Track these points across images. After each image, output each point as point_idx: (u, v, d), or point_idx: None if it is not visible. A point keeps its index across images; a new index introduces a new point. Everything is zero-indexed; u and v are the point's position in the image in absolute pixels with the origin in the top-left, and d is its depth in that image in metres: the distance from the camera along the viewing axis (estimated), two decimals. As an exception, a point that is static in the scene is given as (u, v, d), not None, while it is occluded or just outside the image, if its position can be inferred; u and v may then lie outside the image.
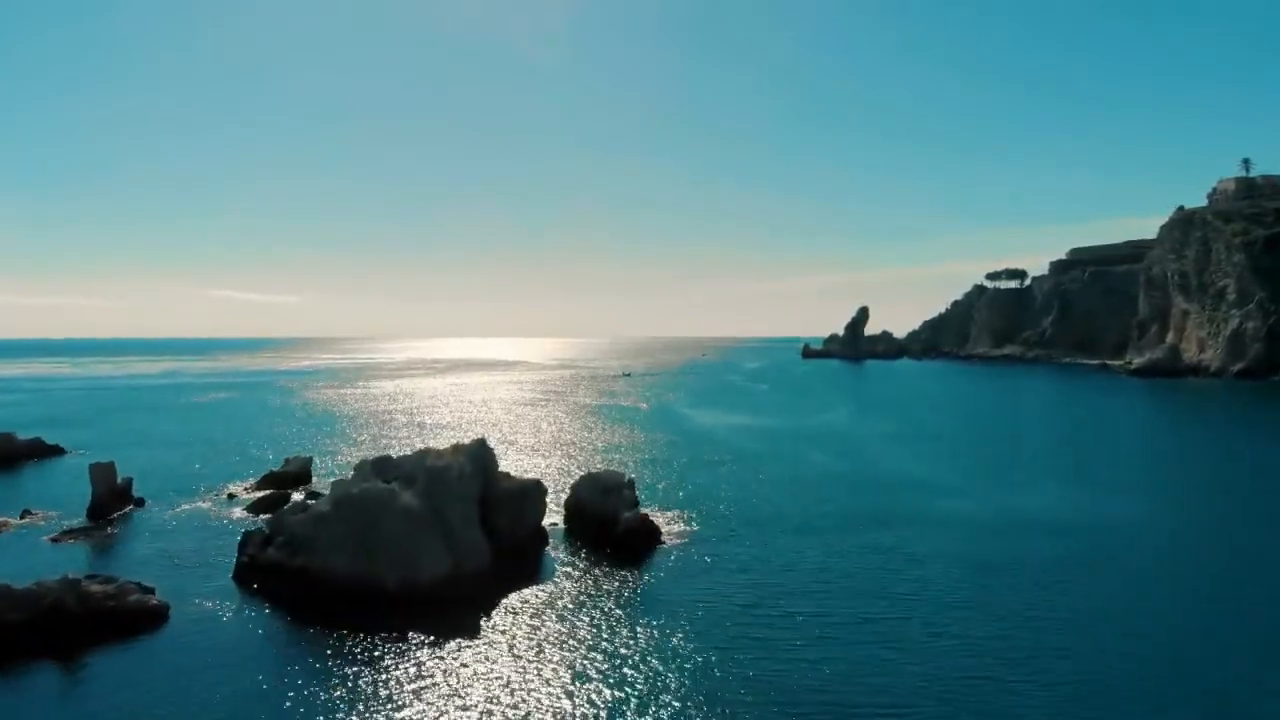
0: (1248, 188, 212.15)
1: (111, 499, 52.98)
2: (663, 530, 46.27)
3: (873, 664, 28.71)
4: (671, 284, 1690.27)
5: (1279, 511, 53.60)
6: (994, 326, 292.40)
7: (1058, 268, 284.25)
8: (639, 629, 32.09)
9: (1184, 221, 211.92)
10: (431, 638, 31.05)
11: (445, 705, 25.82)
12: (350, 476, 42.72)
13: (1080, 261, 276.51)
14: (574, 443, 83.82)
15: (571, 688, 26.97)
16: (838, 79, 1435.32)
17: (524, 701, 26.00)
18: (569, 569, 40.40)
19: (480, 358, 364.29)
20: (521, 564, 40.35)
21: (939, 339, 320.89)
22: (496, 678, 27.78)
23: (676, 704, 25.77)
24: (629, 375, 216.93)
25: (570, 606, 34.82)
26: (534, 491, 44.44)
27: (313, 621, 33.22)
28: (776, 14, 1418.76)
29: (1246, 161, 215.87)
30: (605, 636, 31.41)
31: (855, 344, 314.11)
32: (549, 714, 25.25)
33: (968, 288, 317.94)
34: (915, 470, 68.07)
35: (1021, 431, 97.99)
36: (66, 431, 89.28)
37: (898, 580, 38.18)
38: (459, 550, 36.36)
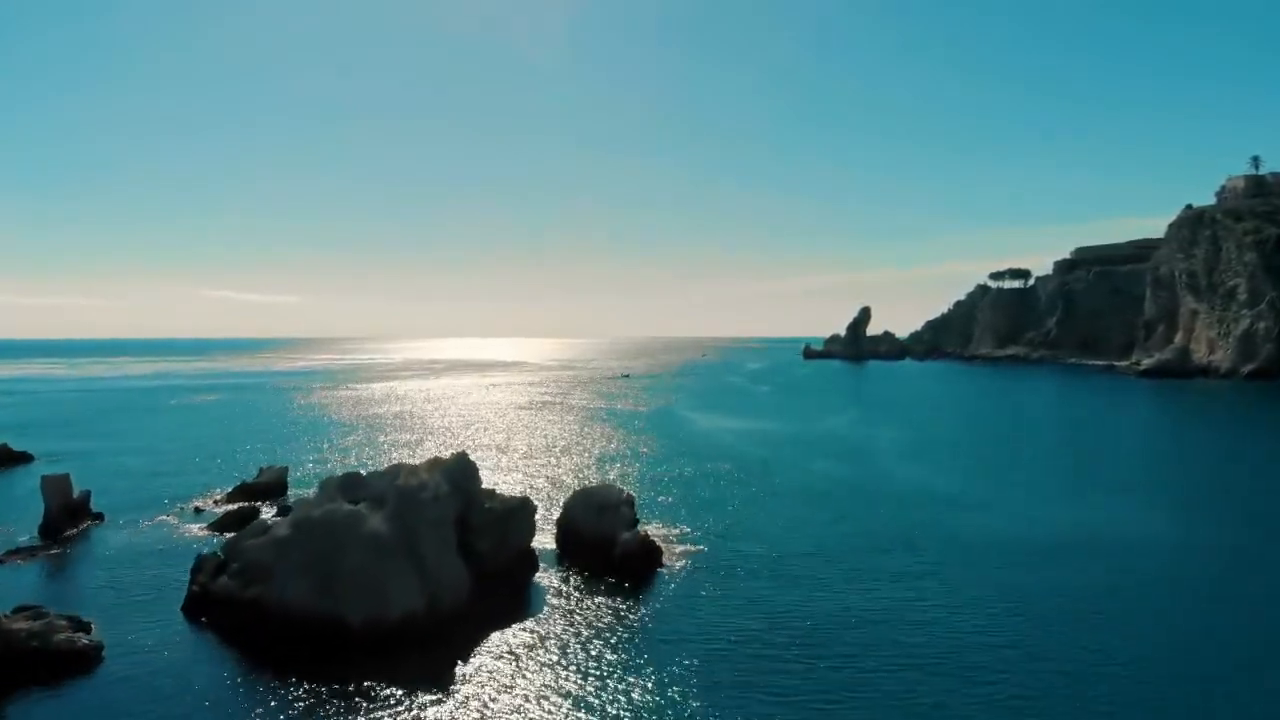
0: (1257, 185, 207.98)
1: (65, 515, 48.75)
2: (664, 551, 42.02)
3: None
4: (671, 284, 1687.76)
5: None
6: (997, 327, 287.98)
7: (1062, 268, 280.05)
8: (638, 675, 27.81)
9: (1193, 220, 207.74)
10: (400, 689, 26.73)
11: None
12: (313, 495, 38.37)
13: (1085, 261, 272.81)
14: (568, 451, 79.38)
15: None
16: (838, 79, 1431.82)
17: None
18: (560, 600, 36.09)
19: (479, 358, 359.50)
20: (506, 594, 36.02)
21: (941, 339, 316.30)
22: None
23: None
24: (628, 376, 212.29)
25: (560, 648, 30.52)
26: (520, 511, 39.96)
27: (264, 665, 28.96)
28: (776, 14, 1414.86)
29: (1256, 159, 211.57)
30: (599, 684, 27.13)
31: (857, 345, 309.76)
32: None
33: (969, 288, 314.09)
34: (934, 482, 63.60)
35: (1040, 437, 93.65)
36: (40, 437, 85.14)
37: (933, 614, 33.77)
38: (434, 581, 32.03)
